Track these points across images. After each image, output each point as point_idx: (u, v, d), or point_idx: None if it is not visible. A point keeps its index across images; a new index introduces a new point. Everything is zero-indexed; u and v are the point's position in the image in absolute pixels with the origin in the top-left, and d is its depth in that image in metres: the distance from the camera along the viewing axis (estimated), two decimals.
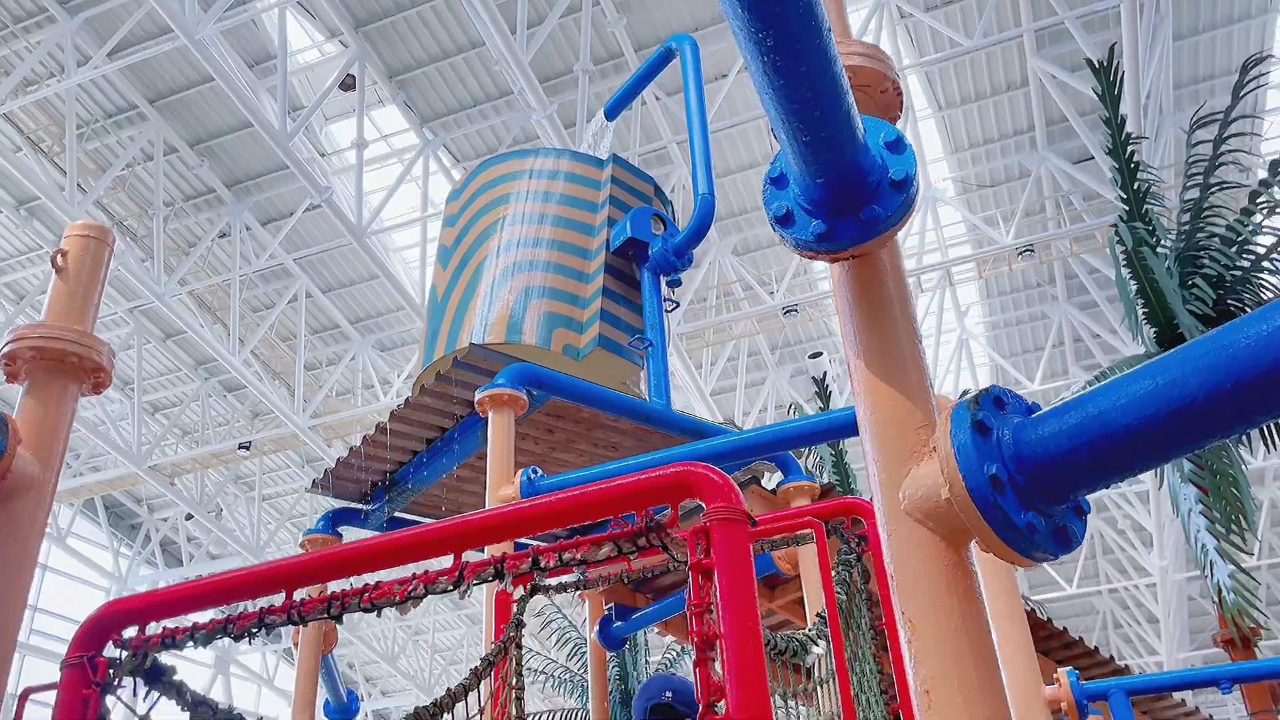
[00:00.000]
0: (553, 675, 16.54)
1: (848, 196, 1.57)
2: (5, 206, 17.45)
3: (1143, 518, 21.32)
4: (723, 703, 1.57)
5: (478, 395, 4.75)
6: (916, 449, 1.52)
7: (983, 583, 3.30)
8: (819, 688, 2.42)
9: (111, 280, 18.04)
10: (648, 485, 1.76)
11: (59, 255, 2.48)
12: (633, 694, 16.22)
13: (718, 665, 1.60)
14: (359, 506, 6.00)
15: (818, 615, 2.61)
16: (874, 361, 1.62)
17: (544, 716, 15.62)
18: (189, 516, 23.88)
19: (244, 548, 23.17)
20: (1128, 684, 3.50)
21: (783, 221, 1.64)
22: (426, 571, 1.81)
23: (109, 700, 1.96)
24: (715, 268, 19.37)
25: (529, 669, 16.31)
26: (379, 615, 1.86)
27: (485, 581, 1.79)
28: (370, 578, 1.98)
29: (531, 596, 3.86)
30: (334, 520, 5.99)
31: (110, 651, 2.00)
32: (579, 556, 1.75)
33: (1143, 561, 22.65)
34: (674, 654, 16.61)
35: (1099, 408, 1.30)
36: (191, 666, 25.37)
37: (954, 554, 1.46)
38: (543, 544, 1.82)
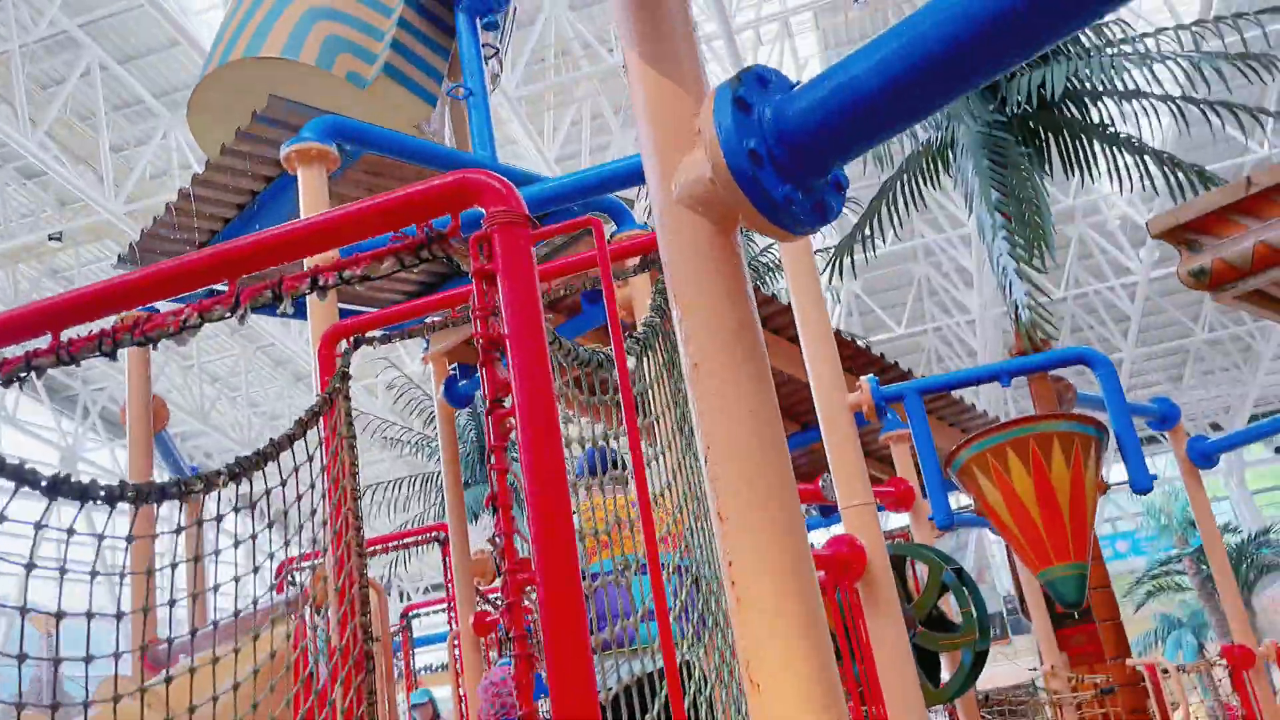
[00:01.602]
0: (411, 443, 16.88)
1: None
2: None
3: (965, 259, 22.67)
4: (509, 398, 1.61)
5: (283, 151, 4.47)
6: (688, 138, 1.51)
7: (792, 289, 3.41)
8: (653, 388, 2.52)
9: None
10: (425, 195, 1.71)
11: None
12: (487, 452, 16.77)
13: (502, 364, 1.63)
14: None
15: (628, 334, 2.69)
16: (647, 51, 1.57)
17: (403, 481, 16.06)
18: None
19: None
20: (919, 385, 3.83)
21: None
22: (200, 301, 1.74)
23: None
24: (551, 24, 18.44)
25: (386, 438, 16.60)
26: (155, 348, 1.80)
27: (263, 305, 1.74)
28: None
29: (356, 349, 3.83)
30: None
31: None
32: (360, 272, 1.71)
33: (964, 300, 24.31)
34: None
35: (850, 74, 1.30)
36: None
37: (721, 237, 1.48)
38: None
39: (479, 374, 5.55)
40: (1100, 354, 4.80)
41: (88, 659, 2.15)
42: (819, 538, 5.85)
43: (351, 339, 3.73)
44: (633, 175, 4.42)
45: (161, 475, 6.58)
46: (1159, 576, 22.67)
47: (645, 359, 2.63)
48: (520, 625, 1.47)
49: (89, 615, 2.14)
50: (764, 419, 1.43)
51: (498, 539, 1.54)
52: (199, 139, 6.16)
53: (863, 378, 3.80)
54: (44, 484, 2.13)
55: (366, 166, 5.24)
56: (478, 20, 5.50)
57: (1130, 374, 26.99)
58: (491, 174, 1.69)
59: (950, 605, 5.92)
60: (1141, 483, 4.18)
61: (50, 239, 19.36)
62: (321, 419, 3.49)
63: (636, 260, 3.99)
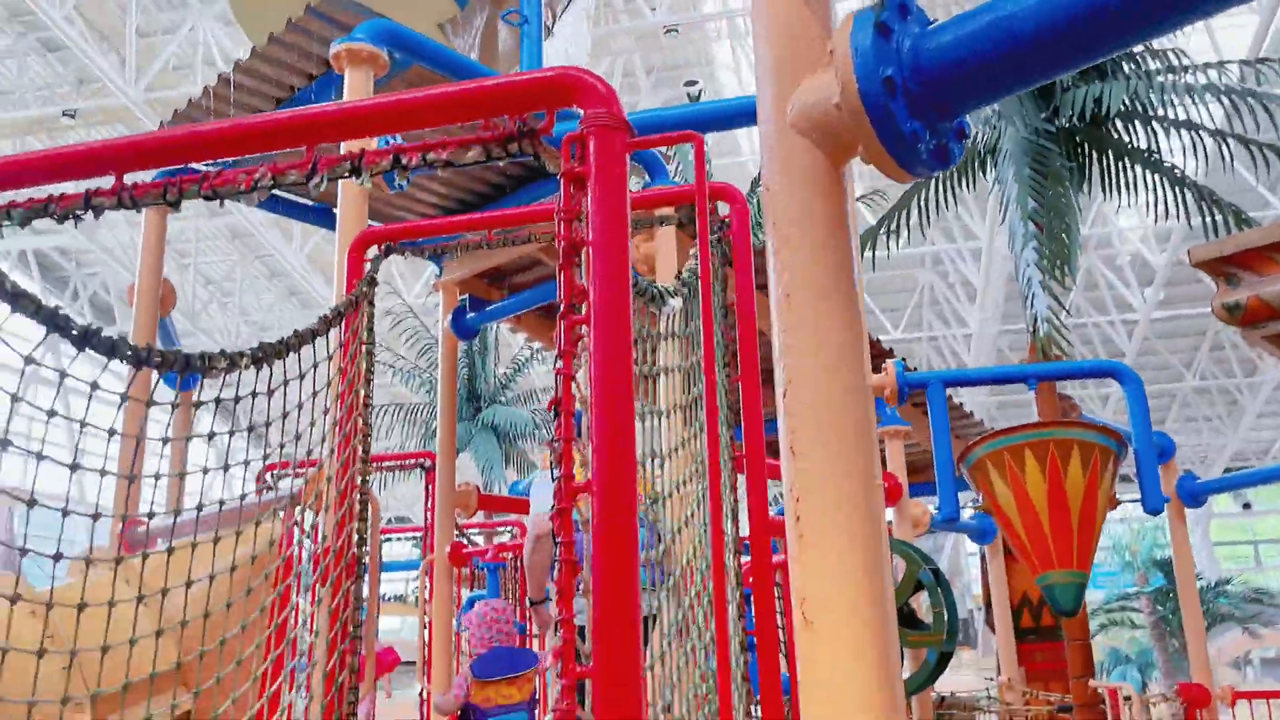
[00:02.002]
0: (401, 370, 16.82)
1: None
2: None
3: (971, 274, 22.65)
4: (585, 304, 1.56)
5: (333, 49, 4.37)
6: (812, 61, 1.46)
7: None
8: (668, 340, 2.48)
9: None
10: (524, 86, 1.65)
11: None
12: (479, 394, 16.82)
13: (581, 272, 1.59)
14: (197, 167, 5.61)
15: (676, 278, 2.64)
16: None
17: (386, 409, 16.02)
18: None
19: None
20: (945, 376, 3.80)
21: None
22: (275, 163, 1.68)
23: None
24: None
25: (379, 361, 16.51)
26: (221, 205, 1.74)
27: (340, 177, 1.68)
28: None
29: (386, 257, 3.77)
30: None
31: None
32: (445, 157, 1.65)
33: (964, 314, 24.32)
34: (524, 358, 17.10)
35: (1005, 11, 1.25)
36: None
37: (833, 170, 1.44)
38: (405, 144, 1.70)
39: (487, 309, 5.50)
40: (1132, 370, 4.80)
41: (65, 511, 2.07)
42: None
43: (382, 246, 3.66)
44: (732, 117, 4.29)
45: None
46: (1114, 611, 22.91)
47: (690, 304, 2.58)
48: (569, 532, 1.44)
49: (72, 467, 2.07)
50: (850, 360, 1.39)
51: (556, 443, 1.50)
52: (236, 11, 6.04)
53: (889, 361, 3.76)
54: (75, 333, 2.08)
55: (410, 79, 5.14)
56: None
57: (1114, 410, 27.14)
58: (593, 74, 1.63)
59: (921, 604, 5.95)
60: (1153, 504, 4.20)
61: (64, 115, 19.06)
62: (344, 321, 3.44)
63: (669, 210, 3.94)
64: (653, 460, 2.15)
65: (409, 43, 4.60)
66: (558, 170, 1.64)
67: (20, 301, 1.96)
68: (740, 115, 4.52)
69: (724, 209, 3.41)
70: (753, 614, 2.86)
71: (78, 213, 1.72)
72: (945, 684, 7.04)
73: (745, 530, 3.00)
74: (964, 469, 3.82)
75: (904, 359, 4.72)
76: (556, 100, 1.63)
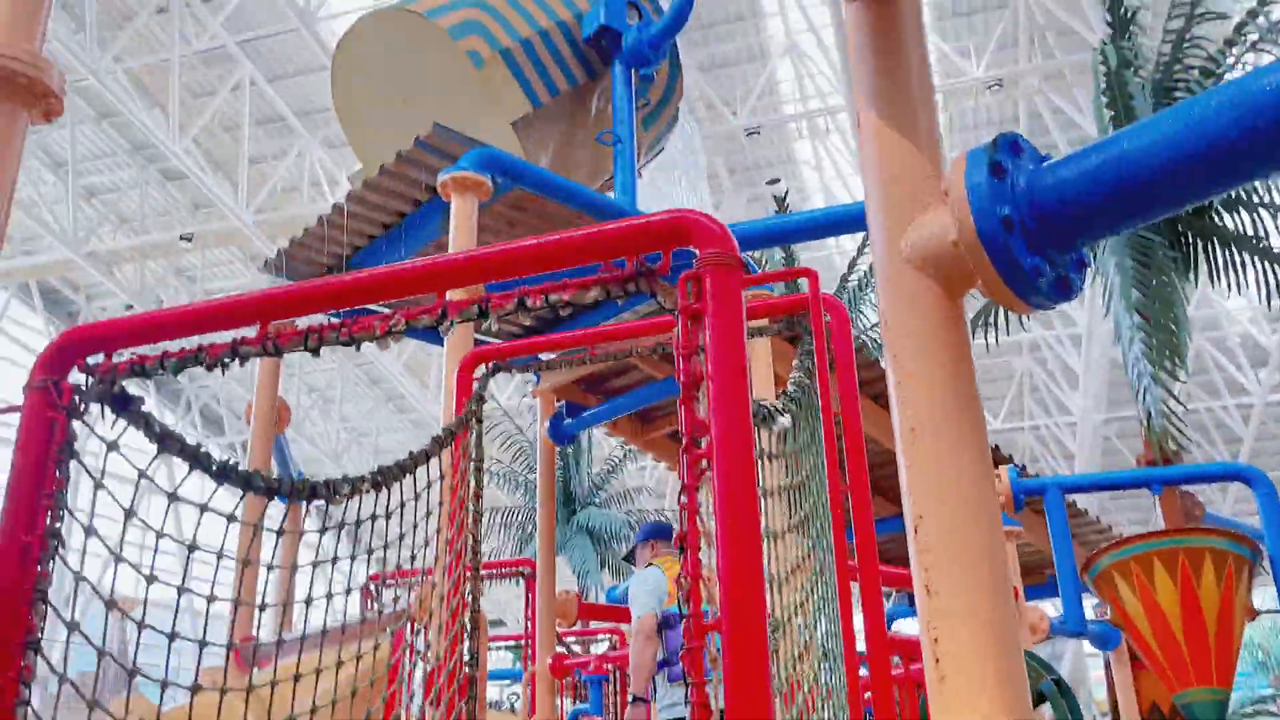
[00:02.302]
0: (499, 474, 17.02)
1: None
2: None
3: (1072, 360, 22.06)
4: (706, 439, 1.59)
5: (440, 178, 4.61)
6: (923, 198, 1.49)
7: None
8: (779, 458, 2.49)
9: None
10: (642, 229, 1.72)
11: None
12: (574, 496, 16.89)
13: (702, 407, 1.62)
14: None
15: (783, 393, 2.66)
16: (885, 108, 1.57)
17: (492, 513, 16.16)
18: (129, 307, 23.45)
19: None
20: (1063, 482, 3.68)
21: None
22: (408, 308, 1.78)
23: (76, 426, 1.94)
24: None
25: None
26: (358, 349, 1.84)
27: (469, 319, 1.76)
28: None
29: (494, 375, 3.88)
30: None
31: (77, 378, 1.96)
32: (567, 298, 1.73)
33: (1066, 401, 23.60)
34: (616, 460, 17.15)
35: (1121, 149, 1.27)
36: None
37: (950, 302, 1.46)
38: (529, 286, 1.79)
39: (583, 415, 5.57)
40: (1261, 472, 4.58)
41: (171, 636, 2.07)
42: (913, 626, 5.67)
43: (490, 365, 3.78)
44: (841, 224, 4.36)
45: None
46: (1249, 716, 21.32)
47: (800, 420, 2.59)
48: (700, 671, 1.44)
49: (180, 590, 2.11)
50: (982, 491, 1.38)
51: (684, 580, 1.51)
52: (334, 82, 6.46)
53: (1002, 467, 3.67)
54: (214, 468, 2.20)
55: (510, 201, 5.37)
56: (634, 71, 5.62)
57: (1235, 499, 25.77)
58: (708, 215, 1.69)
59: (1044, 717, 5.66)
60: None
61: (181, 239, 20.28)
62: (454, 440, 3.54)
63: (764, 321, 3.97)
64: (771, 585, 2.14)
65: (509, 168, 4.82)
66: (674, 307, 1.69)
67: (166, 442, 2.08)
68: (834, 225, 4.58)
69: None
70: None
71: (225, 360, 1.84)
72: None
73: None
74: (1088, 579, 3.66)
75: (1019, 465, 4.60)
76: (673, 241, 1.70)
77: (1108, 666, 7.91)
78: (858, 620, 2.96)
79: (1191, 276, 7.35)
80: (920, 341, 1.45)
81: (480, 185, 4.55)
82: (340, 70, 6.38)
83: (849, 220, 4.27)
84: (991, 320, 8.32)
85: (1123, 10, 7.23)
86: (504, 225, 5.51)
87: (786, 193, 13.26)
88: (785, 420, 2.49)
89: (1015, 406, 25.11)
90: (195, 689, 2.13)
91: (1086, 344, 20.30)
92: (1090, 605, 6.52)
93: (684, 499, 1.56)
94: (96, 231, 20.72)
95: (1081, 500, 8.68)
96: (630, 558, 6.02)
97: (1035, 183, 1.35)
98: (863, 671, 3.04)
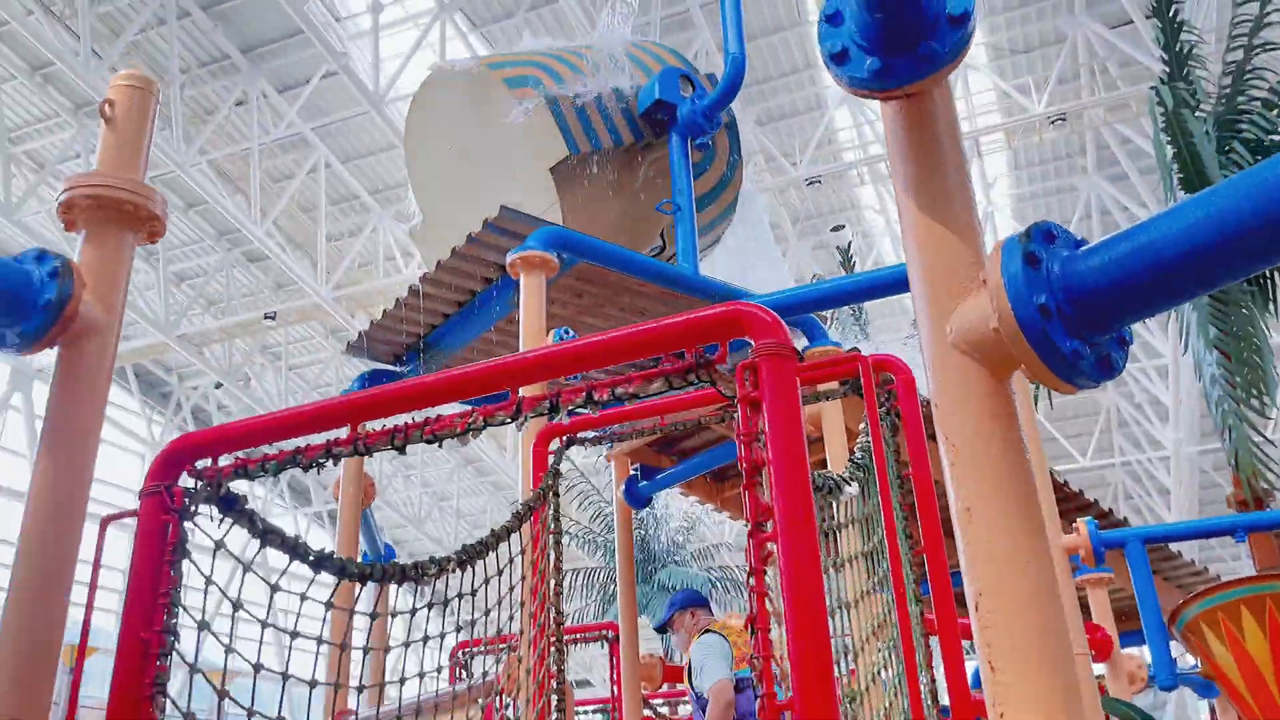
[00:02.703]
0: (578, 535, 17.12)
1: (905, 33, 1.57)
2: (20, 73, 17.21)
3: (1160, 391, 21.42)
4: (770, 522, 1.67)
5: (509, 258, 4.79)
6: (965, 284, 1.57)
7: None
8: (848, 527, 2.54)
9: None
10: (699, 323, 1.82)
11: (107, 105, 2.50)
12: (653, 554, 16.89)
13: (764, 489, 1.70)
14: (392, 369, 6.13)
15: (850, 460, 2.71)
16: (924, 201, 1.65)
17: (573, 574, 16.24)
18: (218, 385, 24.36)
19: None
20: (1144, 533, 3.61)
21: (837, 59, 1.64)
22: (485, 406, 1.90)
23: (186, 526, 2.09)
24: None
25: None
26: (440, 446, 1.96)
27: (541, 415, 1.88)
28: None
29: (568, 449, 3.99)
30: (369, 382, 6.14)
31: (186, 482, 2.12)
32: (632, 390, 1.83)
33: (1157, 435, 22.87)
34: (695, 517, 17.13)
35: (1149, 237, 1.34)
36: None
37: (997, 383, 1.52)
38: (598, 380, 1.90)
39: (657, 478, 5.65)
40: None
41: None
42: None
43: (564, 439, 3.90)
44: (890, 285, 4.43)
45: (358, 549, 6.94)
46: None
47: (869, 484, 2.64)
48: None
49: (284, 675, 2.24)
50: (1039, 568, 1.43)
51: (756, 660, 1.58)
52: (407, 131, 6.78)
53: (1081, 519, 3.63)
54: (311, 558, 2.34)
55: (576, 273, 5.53)
56: (690, 141, 5.79)
57: None
58: (760, 307, 1.79)
59: None
60: None
61: (265, 318, 21.07)
62: (533, 514, 3.66)
63: (834, 385, 4.03)
64: (846, 657, 2.19)
65: (575, 244, 4.98)
66: (733, 394, 1.78)
67: (268, 536, 2.23)
68: (890, 285, 4.63)
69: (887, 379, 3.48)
70: None
71: (320, 461, 1.98)
72: None
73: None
74: (1175, 631, 3.57)
75: (1104, 509, 4.50)
76: (729, 333, 1.79)
77: (1213, 713, 7.60)
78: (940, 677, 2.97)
79: (1271, 308, 7.16)
80: (970, 422, 1.51)
81: (547, 263, 4.71)
82: (411, 127, 6.72)
83: (885, 285, 4.32)
84: None
85: (1179, 48, 7.19)
86: (571, 296, 5.68)
87: (850, 244, 13.28)
88: (853, 489, 2.55)
89: (1104, 442, 24.42)
90: None
91: (1174, 375, 19.72)
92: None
93: (752, 581, 1.63)
94: (186, 314, 21.65)
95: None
96: (664, 628, 6.08)
97: (1069, 270, 1.41)
98: None
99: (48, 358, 2.37)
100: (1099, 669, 6.37)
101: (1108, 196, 19.18)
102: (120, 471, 23.34)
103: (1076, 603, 3.26)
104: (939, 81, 1.64)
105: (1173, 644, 4.27)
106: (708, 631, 5.26)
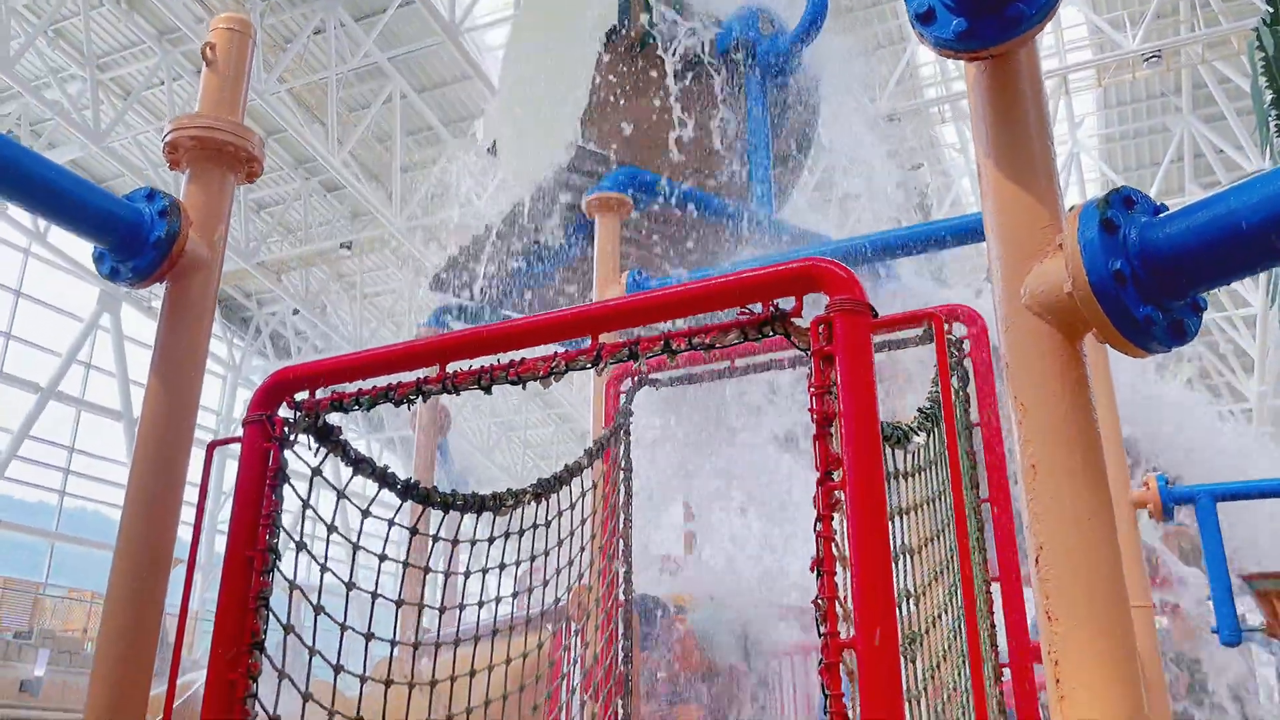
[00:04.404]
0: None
1: None
2: None
3: (1246, 343, 20.74)
4: (839, 471, 1.74)
5: (585, 198, 4.85)
6: (1041, 247, 1.59)
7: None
8: (915, 475, 2.58)
9: None
10: (775, 277, 1.87)
11: (208, 48, 2.60)
12: None
13: (835, 441, 1.76)
14: (467, 304, 6.28)
15: (919, 410, 2.75)
16: (1005, 163, 1.67)
17: None
18: (295, 312, 25.03)
19: (347, 342, 24.33)
20: (1216, 489, 3.57)
21: (923, 19, 1.66)
22: (566, 350, 1.99)
23: (286, 454, 2.23)
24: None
25: None
26: (524, 388, 2.06)
27: (620, 361, 1.96)
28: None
29: (639, 389, 4.09)
30: (443, 316, 6.31)
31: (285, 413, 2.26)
32: (708, 341, 1.90)
33: (1240, 386, 22.21)
34: None
35: (1228, 207, 1.35)
36: None
37: (1068, 345, 1.55)
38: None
39: None
40: None
41: (343, 626, 2.27)
42: None
43: (635, 379, 3.99)
44: (967, 234, 4.38)
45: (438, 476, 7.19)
46: None
47: (934, 435, 2.68)
48: (837, 686, 1.59)
49: (349, 585, 2.38)
50: (1099, 525, 1.48)
51: (820, 601, 1.66)
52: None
53: (1150, 475, 3.62)
54: (399, 486, 2.48)
55: (650, 214, 5.58)
56: (769, 80, 5.73)
57: None
58: (835, 262, 1.83)
59: None
60: None
61: (341, 247, 21.51)
62: (605, 451, 3.78)
63: (917, 330, 4.04)
64: (908, 599, 2.26)
65: (648, 185, 5.02)
66: (807, 348, 1.84)
67: (360, 465, 2.37)
68: (967, 234, 4.57)
69: (960, 329, 3.50)
70: None
71: (411, 397, 2.09)
72: None
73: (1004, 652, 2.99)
74: (1250, 587, 3.55)
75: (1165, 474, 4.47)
76: (805, 288, 1.84)
77: None
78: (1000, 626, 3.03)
79: None
80: (1040, 382, 1.55)
81: (623, 203, 4.77)
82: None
83: (962, 232, 4.25)
84: None
85: None
86: (644, 237, 5.73)
87: (928, 185, 13.00)
88: (920, 439, 2.59)
89: None
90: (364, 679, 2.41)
91: (1262, 325, 19.08)
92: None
93: (819, 526, 1.71)
94: (265, 242, 22.20)
95: None
96: None
97: (1146, 236, 1.43)
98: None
99: None
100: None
101: (1202, 138, 18.40)
102: (205, 394, 24.24)
103: (1141, 554, 3.27)
104: (1025, 43, 1.65)
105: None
106: None
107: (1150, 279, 1.42)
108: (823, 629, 1.65)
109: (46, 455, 23.63)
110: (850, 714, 1.59)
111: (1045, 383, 1.54)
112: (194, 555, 2.35)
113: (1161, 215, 1.46)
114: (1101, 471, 1.52)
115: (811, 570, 1.72)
